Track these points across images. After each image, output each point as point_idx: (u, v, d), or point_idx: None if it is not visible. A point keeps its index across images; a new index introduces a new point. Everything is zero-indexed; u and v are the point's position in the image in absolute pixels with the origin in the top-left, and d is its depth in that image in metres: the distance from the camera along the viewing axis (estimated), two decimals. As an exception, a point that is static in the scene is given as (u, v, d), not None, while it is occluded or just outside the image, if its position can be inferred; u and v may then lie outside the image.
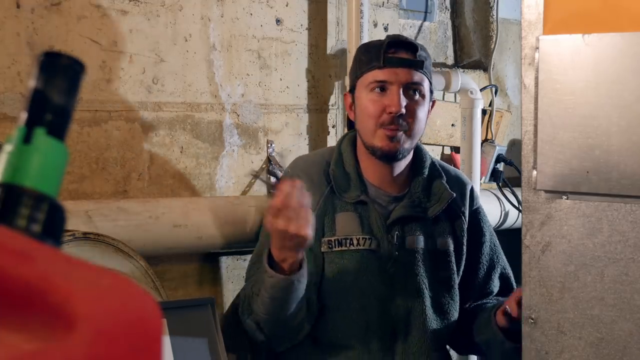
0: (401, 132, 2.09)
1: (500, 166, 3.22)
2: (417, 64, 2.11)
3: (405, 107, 2.08)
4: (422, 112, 2.12)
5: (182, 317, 2.04)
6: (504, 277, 2.29)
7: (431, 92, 2.17)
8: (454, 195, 2.18)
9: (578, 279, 1.63)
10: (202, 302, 2.14)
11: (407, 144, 2.11)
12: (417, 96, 2.11)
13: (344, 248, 2.10)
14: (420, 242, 2.14)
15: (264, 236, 2.10)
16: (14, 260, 0.50)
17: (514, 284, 2.29)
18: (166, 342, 1.94)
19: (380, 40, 2.17)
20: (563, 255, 1.64)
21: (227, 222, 2.38)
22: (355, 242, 2.11)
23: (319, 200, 2.13)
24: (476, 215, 2.25)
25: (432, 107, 2.21)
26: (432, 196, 2.17)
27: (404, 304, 2.11)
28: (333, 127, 2.85)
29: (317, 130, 2.82)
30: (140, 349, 0.50)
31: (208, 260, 2.53)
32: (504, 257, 2.30)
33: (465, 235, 2.20)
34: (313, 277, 2.06)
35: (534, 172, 1.66)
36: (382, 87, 2.10)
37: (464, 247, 2.20)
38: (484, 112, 3.15)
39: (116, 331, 0.48)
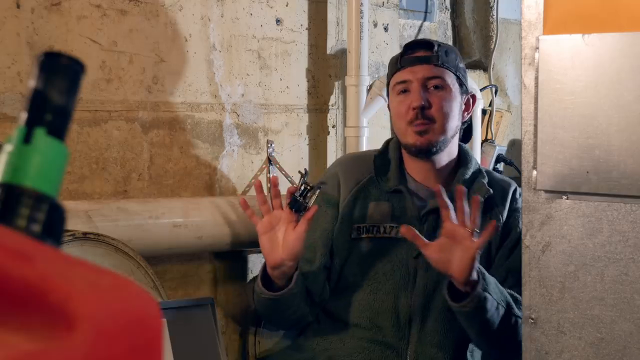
0: (430, 126, 2.13)
1: (500, 166, 3.22)
2: (433, 59, 2.16)
3: (428, 100, 2.13)
4: (447, 104, 2.16)
5: (182, 317, 2.04)
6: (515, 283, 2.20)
7: (461, 85, 2.20)
8: (491, 191, 2.18)
9: (578, 279, 1.63)
10: (202, 302, 2.14)
11: (440, 137, 2.14)
12: (439, 89, 2.16)
13: (370, 235, 2.16)
14: None
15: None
16: (14, 260, 0.50)
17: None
18: (166, 342, 1.94)
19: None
20: (563, 255, 1.64)
21: (227, 222, 2.38)
22: (382, 229, 2.16)
23: (352, 187, 2.20)
24: (515, 216, 2.21)
25: (473, 103, 2.26)
26: (471, 193, 2.15)
27: (423, 293, 2.13)
28: (333, 127, 2.85)
29: (317, 131, 2.81)
30: (140, 349, 0.50)
31: (208, 260, 2.53)
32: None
33: (500, 234, 2.18)
34: (336, 263, 2.18)
35: (534, 172, 1.66)
36: (406, 88, 2.16)
37: (495, 247, 2.18)
38: (484, 112, 3.15)
39: (116, 331, 0.48)
